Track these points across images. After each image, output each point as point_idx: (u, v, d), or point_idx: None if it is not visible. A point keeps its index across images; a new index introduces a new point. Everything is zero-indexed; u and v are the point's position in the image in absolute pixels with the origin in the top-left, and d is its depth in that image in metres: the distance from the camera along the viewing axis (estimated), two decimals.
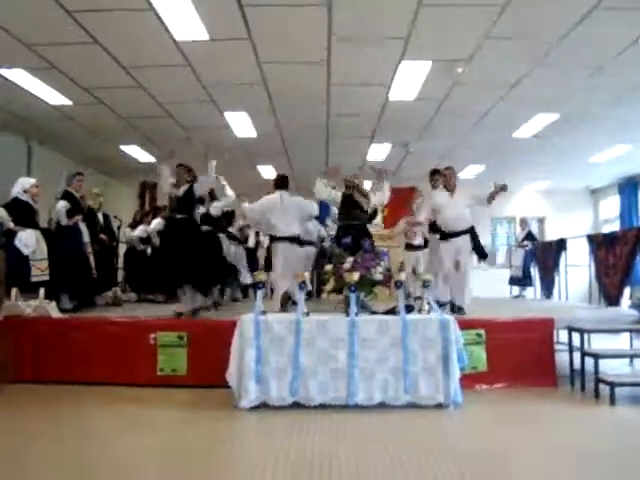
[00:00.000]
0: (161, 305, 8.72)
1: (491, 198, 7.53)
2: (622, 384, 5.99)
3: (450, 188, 7.57)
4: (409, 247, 10.22)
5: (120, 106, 9.41)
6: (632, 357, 7.54)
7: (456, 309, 7.28)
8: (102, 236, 9.09)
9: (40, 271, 7.51)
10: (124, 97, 8.91)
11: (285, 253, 7.54)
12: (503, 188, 7.43)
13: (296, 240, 7.65)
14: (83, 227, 8.29)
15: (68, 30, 6.54)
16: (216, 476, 3.75)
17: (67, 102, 9.07)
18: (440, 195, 7.68)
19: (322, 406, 5.43)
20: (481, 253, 8.05)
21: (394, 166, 13.24)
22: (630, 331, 7.68)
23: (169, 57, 7.35)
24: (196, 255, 7.09)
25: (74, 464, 4.04)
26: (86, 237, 8.32)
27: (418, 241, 10.00)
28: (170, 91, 8.70)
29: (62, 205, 8.01)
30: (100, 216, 9.40)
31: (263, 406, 5.46)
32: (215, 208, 8.62)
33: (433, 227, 8.28)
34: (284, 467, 3.89)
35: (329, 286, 6.46)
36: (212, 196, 8.52)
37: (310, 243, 9.17)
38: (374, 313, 6.10)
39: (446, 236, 7.57)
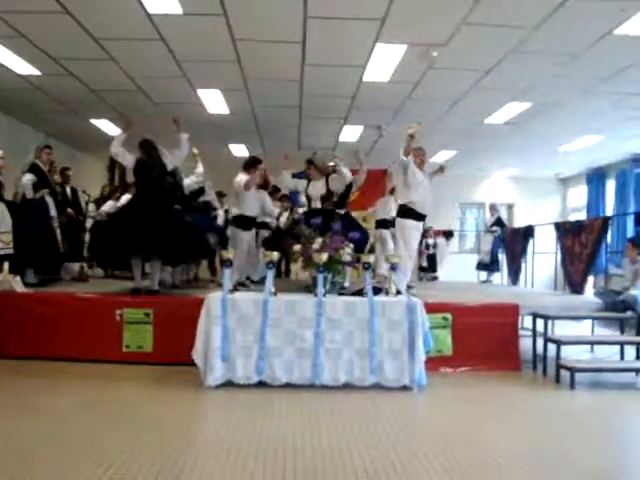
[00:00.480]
0: (128, 281, 8.62)
1: (433, 174, 7.82)
2: (581, 370, 6.14)
3: (422, 169, 7.57)
4: (380, 225, 10.19)
5: (90, 78, 9.20)
6: (592, 344, 7.71)
7: None
8: (69, 210, 8.96)
9: (4, 244, 7.38)
10: (94, 69, 8.70)
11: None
12: (442, 169, 7.87)
13: (238, 221, 8.16)
14: (50, 201, 8.16)
15: None
16: (180, 454, 3.74)
17: (35, 72, 8.83)
18: (416, 170, 7.50)
19: (288, 385, 5.47)
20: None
21: (367, 148, 13.24)
22: (592, 318, 7.85)
23: (141, 30, 7.19)
24: (149, 228, 6.83)
25: (28, 439, 4.00)
26: (53, 211, 8.19)
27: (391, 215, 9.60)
28: (142, 65, 8.53)
29: (28, 178, 7.88)
30: (68, 190, 9.26)
31: (229, 384, 5.47)
32: (188, 186, 8.53)
33: (404, 210, 8.22)
34: (248, 446, 3.90)
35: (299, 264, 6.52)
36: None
37: (263, 225, 9.29)
38: (342, 294, 6.13)
39: (417, 217, 7.54)
